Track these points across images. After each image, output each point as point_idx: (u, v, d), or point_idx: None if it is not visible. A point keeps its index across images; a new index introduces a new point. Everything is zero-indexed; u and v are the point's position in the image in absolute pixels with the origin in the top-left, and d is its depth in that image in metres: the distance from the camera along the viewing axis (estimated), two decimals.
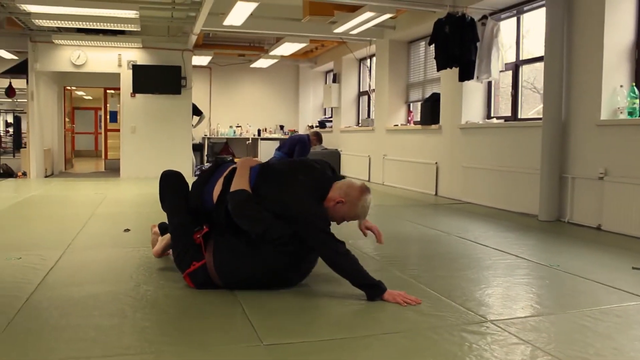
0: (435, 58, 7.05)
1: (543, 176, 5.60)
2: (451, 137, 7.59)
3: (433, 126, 7.98)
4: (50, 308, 2.63)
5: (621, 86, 5.16)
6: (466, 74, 6.85)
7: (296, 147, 8.17)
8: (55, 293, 2.90)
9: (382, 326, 2.45)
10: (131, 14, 7.78)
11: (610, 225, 5.00)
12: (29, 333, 2.30)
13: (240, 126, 12.89)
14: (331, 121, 12.18)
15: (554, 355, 2.11)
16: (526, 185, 6.06)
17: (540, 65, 6.78)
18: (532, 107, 6.94)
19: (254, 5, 7.11)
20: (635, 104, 5.04)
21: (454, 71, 7.12)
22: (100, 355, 2.08)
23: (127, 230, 4.81)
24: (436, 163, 7.92)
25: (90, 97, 19.23)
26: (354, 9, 7.67)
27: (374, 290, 2.73)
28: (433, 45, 7.01)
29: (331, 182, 2.96)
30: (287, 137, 12.81)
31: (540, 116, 5.89)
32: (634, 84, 5.10)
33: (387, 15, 7.54)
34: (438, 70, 7.04)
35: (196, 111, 11.04)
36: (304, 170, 3.02)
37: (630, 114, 5.06)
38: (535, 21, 6.66)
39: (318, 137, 8.68)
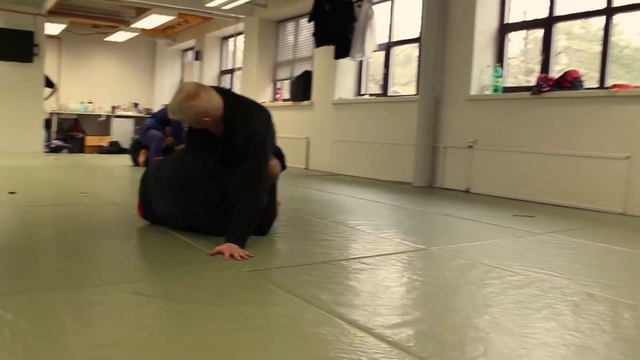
0: (313, 35, 7.33)
1: (418, 146, 6.12)
2: (323, 112, 7.93)
3: (304, 102, 8.26)
4: None
5: (487, 66, 5.82)
6: (342, 52, 7.21)
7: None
8: None
9: (360, 252, 2.64)
10: None
11: (478, 188, 5.65)
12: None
13: (92, 102, 12.19)
14: None
15: (517, 272, 2.45)
16: (398, 156, 6.56)
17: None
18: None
19: None
20: (499, 82, 5.72)
21: (328, 49, 7.45)
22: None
23: (12, 192, 4.46)
24: (307, 138, 8.21)
25: None
26: None
27: None
28: (313, 22, 7.28)
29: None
30: (142, 115, 12.45)
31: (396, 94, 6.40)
32: (498, 64, 5.77)
33: None
34: (317, 46, 7.33)
35: (48, 83, 10.26)
36: None
37: (494, 90, 5.73)
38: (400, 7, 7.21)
39: None
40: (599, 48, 5.06)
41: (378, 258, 2.57)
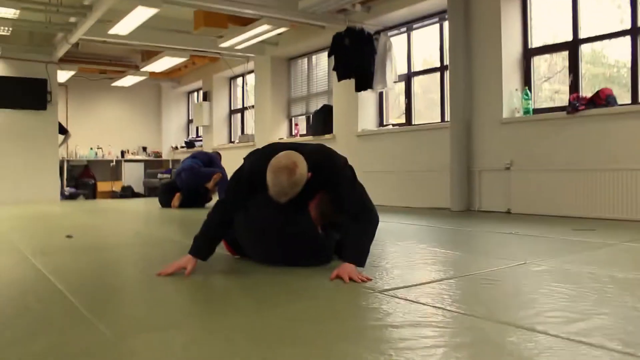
0: (334, 69, 7.47)
1: (453, 171, 6.21)
2: (347, 145, 8.01)
3: (326, 136, 8.35)
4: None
5: (516, 89, 5.97)
6: (364, 84, 7.36)
7: (213, 161, 7.88)
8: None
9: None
10: (8, 12, 7.10)
11: (519, 208, 5.73)
12: None
13: (101, 148, 12.20)
14: (201, 140, 12.06)
15: (613, 275, 2.51)
16: (430, 182, 6.66)
17: None
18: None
19: (153, 11, 6.93)
20: (529, 104, 5.88)
21: (348, 83, 7.59)
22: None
23: (69, 236, 4.44)
24: None
25: None
26: (246, 22, 7.84)
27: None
28: (333, 56, 7.44)
29: (292, 148, 2.73)
30: (150, 158, 12.54)
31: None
32: (526, 87, 5.93)
33: (281, 29, 7.82)
34: (339, 80, 7.47)
35: (61, 129, 10.28)
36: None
37: (525, 112, 5.87)
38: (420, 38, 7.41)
39: (220, 156, 8.60)
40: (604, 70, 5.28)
41: (489, 273, 2.61)
